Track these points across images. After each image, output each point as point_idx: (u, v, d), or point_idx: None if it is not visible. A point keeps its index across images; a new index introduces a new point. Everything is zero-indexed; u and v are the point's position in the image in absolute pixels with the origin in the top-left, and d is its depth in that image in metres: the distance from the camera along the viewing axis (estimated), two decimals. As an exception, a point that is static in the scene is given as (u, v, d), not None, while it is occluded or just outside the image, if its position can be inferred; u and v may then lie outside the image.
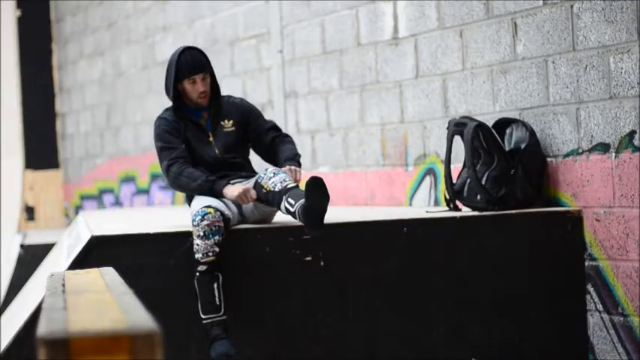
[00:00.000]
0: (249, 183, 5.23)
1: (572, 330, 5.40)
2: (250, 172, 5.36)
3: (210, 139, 5.29)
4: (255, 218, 5.24)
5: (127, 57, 10.85)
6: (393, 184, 6.83)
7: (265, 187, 5.02)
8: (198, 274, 4.90)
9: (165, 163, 5.22)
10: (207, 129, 5.30)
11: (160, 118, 5.32)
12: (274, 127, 5.45)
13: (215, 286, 4.89)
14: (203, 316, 4.89)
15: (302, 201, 4.82)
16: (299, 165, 5.28)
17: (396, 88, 6.75)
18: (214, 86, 5.33)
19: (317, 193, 4.79)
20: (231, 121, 5.33)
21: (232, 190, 5.10)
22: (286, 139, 5.43)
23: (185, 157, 5.21)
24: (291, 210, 4.88)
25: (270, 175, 5.03)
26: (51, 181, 12.91)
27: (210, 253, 4.88)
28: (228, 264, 4.96)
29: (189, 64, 5.21)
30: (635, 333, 5.17)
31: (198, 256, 4.88)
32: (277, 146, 5.37)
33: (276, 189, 4.96)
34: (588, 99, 5.32)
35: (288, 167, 5.17)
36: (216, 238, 4.89)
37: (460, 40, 6.17)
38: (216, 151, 5.28)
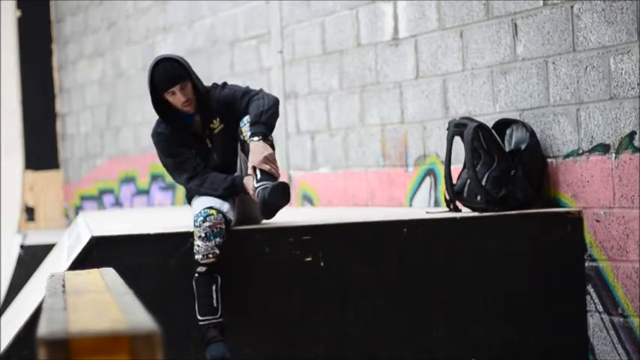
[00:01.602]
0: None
1: (572, 331, 5.40)
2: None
3: (209, 145, 5.21)
4: (253, 218, 5.23)
5: (127, 57, 10.86)
6: (393, 184, 6.83)
7: (245, 134, 5.06)
8: (197, 275, 4.89)
9: (183, 178, 5.15)
10: (204, 135, 5.20)
11: (157, 133, 5.20)
12: (246, 92, 5.16)
13: (214, 288, 4.89)
14: (200, 318, 4.88)
15: (267, 187, 4.89)
16: (261, 129, 5.00)
17: (396, 89, 6.75)
18: (199, 89, 5.14)
19: (280, 196, 4.91)
20: (217, 119, 5.18)
21: (250, 187, 5.09)
22: (254, 97, 5.12)
23: (199, 164, 5.15)
24: (254, 185, 4.94)
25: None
26: (51, 181, 12.91)
27: (211, 255, 4.87)
28: (228, 264, 4.96)
29: (163, 79, 5.05)
30: (636, 334, 5.17)
31: (198, 257, 4.88)
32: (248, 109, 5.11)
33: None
34: (588, 100, 5.32)
35: (251, 166, 5.02)
36: (217, 240, 4.88)
37: (460, 41, 6.17)
38: (215, 158, 5.21)
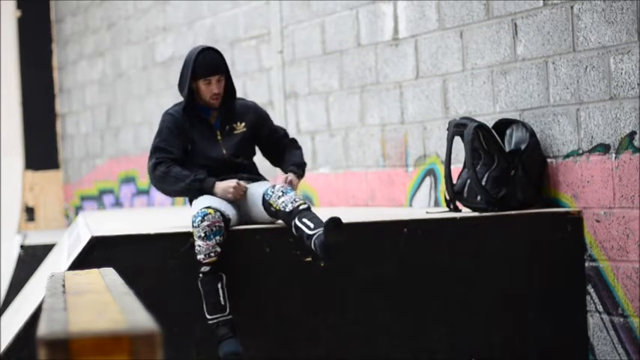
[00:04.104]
0: (249, 187, 5.22)
1: (573, 331, 5.40)
2: (253, 175, 5.35)
3: (219, 137, 5.29)
4: (256, 220, 5.23)
5: (127, 57, 10.86)
6: (393, 184, 6.83)
7: (275, 205, 4.98)
8: (201, 275, 4.89)
9: (152, 161, 5.22)
10: (216, 128, 5.30)
11: (167, 113, 5.31)
12: (286, 135, 5.52)
13: (219, 286, 4.89)
14: (209, 317, 4.88)
15: (320, 233, 4.76)
16: (302, 174, 5.32)
17: (397, 89, 6.75)
18: (229, 88, 5.31)
19: (336, 232, 4.72)
20: (243, 123, 5.33)
21: (221, 187, 5.10)
22: (296, 145, 5.50)
23: (176, 160, 5.20)
24: (309, 233, 4.80)
25: (278, 194, 5.00)
26: (51, 181, 12.91)
27: (212, 254, 4.87)
28: (229, 264, 4.96)
29: (206, 65, 5.20)
30: (635, 334, 5.17)
31: (200, 257, 4.88)
32: (287, 150, 5.43)
33: (287, 209, 4.92)
34: (588, 100, 5.32)
35: (285, 176, 5.23)
36: (218, 238, 4.88)
37: (460, 41, 6.17)
38: (224, 151, 5.27)
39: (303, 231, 4.84)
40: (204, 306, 4.88)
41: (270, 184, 5.20)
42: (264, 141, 5.44)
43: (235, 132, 5.31)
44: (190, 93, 5.24)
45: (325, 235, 4.71)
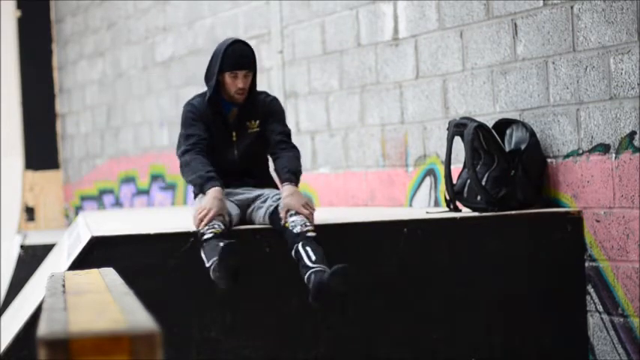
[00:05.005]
0: (252, 192, 5.20)
1: (572, 330, 5.40)
2: (262, 180, 5.31)
3: (234, 139, 5.22)
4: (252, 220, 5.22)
5: (127, 57, 10.86)
6: (393, 184, 6.83)
7: (285, 221, 4.88)
8: (204, 242, 4.76)
9: (181, 149, 5.13)
10: (233, 128, 5.21)
11: (189, 103, 5.23)
12: (285, 133, 5.27)
13: (222, 244, 4.69)
14: (207, 263, 4.70)
15: (318, 269, 4.64)
16: (297, 181, 5.09)
17: (397, 89, 6.75)
18: (251, 86, 5.20)
19: (342, 282, 4.61)
20: (257, 121, 5.22)
21: (205, 199, 4.91)
22: (292, 149, 5.24)
23: (202, 145, 5.09)
24: (307, 264, 4.69)
25: (292, 212, 4.88)
26: (51, 181, 12.91)
27: (217, 226, 4.81)
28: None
29: (235, 58, 5.10)
30: (635, 334, 5.17)
31: (203, 230, 4.78)
32: (281, 152, 5.20)
33: (295, 230, 4.81)
34: (588, 100, 5.32)
35: (287, 189, 4.98)
36: (220, 217, 4.84)
37: (460, 41, 6.17)
38: (235, 154, 5.21)
39: (302, 259, 4.72)
40: (205, 259, 4.72)
41: (278, 194, 5.13)
42: (266, 139, 5.25)
43: (249, 131, 5.22)
44: (217, 85, 5.16)
45: (330, 278, 4.58)
